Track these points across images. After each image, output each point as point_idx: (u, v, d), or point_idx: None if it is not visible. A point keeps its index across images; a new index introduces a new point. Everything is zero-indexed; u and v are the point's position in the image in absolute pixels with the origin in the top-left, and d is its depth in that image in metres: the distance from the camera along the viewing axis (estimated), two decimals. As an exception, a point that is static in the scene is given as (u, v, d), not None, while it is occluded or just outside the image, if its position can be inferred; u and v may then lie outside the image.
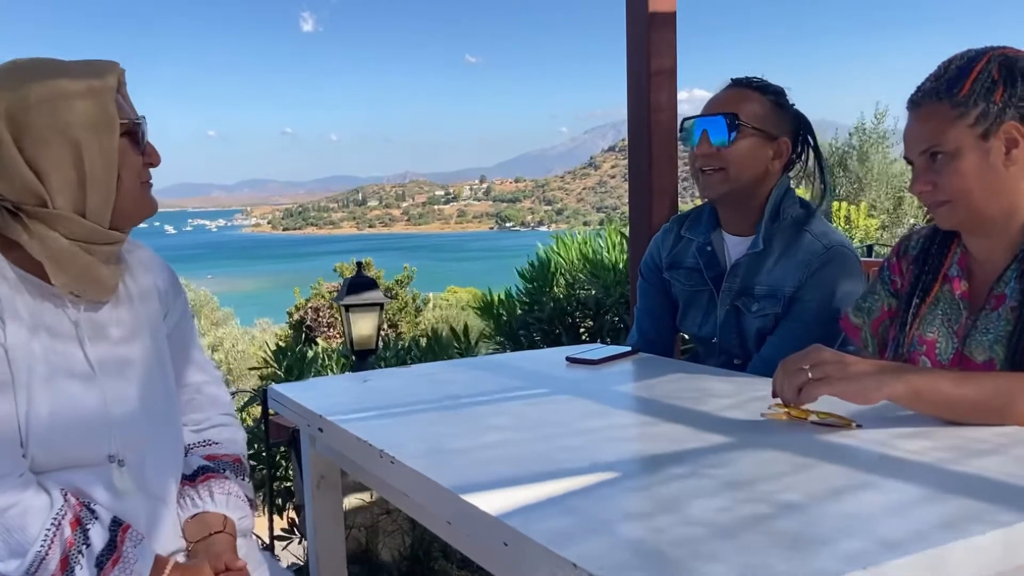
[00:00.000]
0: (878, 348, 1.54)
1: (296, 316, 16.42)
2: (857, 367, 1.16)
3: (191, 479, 1.36)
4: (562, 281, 4.28)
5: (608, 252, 4.28)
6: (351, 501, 2.72)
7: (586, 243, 4.43)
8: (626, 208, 2.97)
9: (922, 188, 1.33)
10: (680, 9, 2.75)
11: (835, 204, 9.12)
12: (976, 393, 1.14)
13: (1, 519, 1.11)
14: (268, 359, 4.47)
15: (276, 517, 3.46)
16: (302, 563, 3.08)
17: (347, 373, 4.04)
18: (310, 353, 4.63)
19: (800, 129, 1.88)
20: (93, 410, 1.20)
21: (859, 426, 1.16)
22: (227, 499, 1.35)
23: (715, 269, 1.89)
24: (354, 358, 4.34)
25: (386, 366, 4.29)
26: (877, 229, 9.20)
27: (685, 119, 1.88)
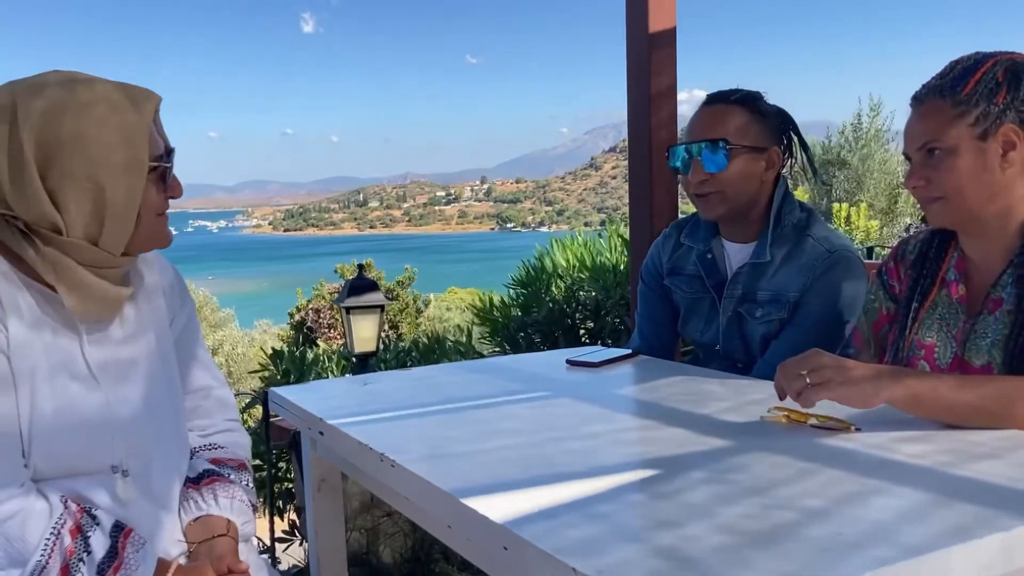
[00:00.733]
0: (877, 352, 1.54)
1: (297, 317, 16.43)
2: (856, 371, 1.16)
3: (195, 482, 1.35)
4: (561, 284, 4.28)
5: (608, 253, 4.28)
6: (351, 503, 2.72)
7: (586, 244, 4.42)
8: (627, 209, 2.97)
9: (916, 183, 1.34)
10: (679, 8, 2.76)
11: (835, 205, 9.11)
12: (975, 397, 1.14)
13: (1, 529, 1.11)
14: (268, 361, 4.48)
15: (277, 519, 3.46)
16: (303, 565, 3.08)
17: (347, 376, 4.04)
18: (310, 355, 4.63)
19: (784, 127, 1.87)
20: (95, 413, 1.20)
21: (858, 429, 1.16)
22: (231, 503, 1.35)
23: (716, 277, 1.89)
24: (355, 360, 4.34)
25: (386, 368, 4.30)
26: (877, 229, 9.19)
27: (671, 147, 1.86)
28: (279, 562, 3.25)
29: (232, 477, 1.38)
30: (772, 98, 1.91)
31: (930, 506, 0.88)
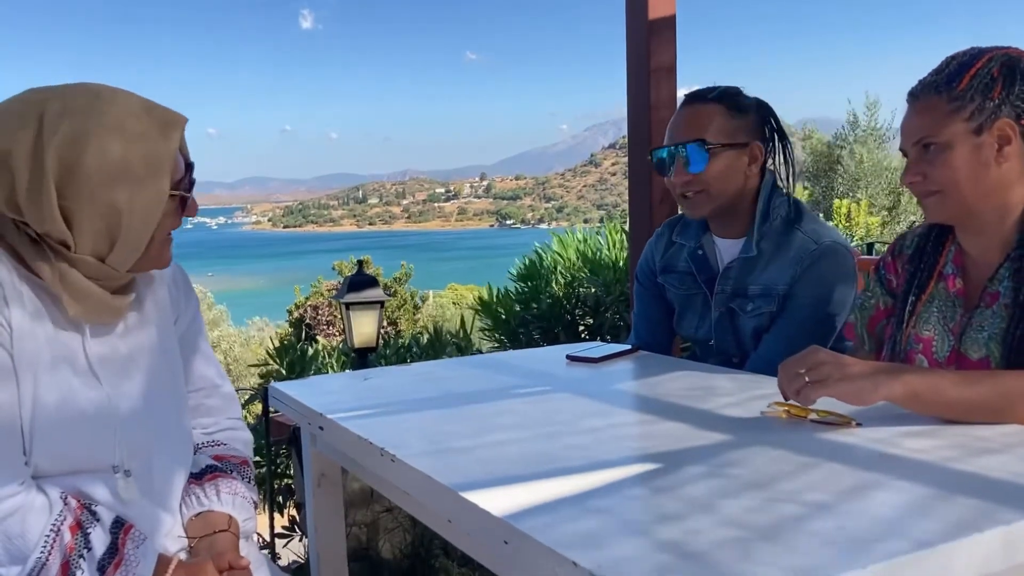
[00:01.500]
0: (875, 347, 1.54)
1: (296, 314, 16.43)
2: (855, 368, 1.16)
3: (198, 477, 1.35)
4: (561, 279, 4.28)
5: (608, 250, 4.27)
6: (351, 498, 2.72)
7: (586, 241, 4.42)
8: (626, 205, 2.97)
9: (912, 178, 1.34)
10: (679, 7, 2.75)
11: (836, 202, 9.10)
12: (975, 394, 1.14)
13: (1, 526, 1.10)
14: (272, 357, 4.47)
15: (277, 515, 3.46)
16: (303, 561, 3.08)
17: (347, 371, 4.04)
18: (310, 351, 4.63)
19: (764, 119, 1.87)
20: (96, 409, 1.19)
21: (859, 424, 1.16)
22: (233, 499, 1.35)
23: (707, 273, 1.90)
24: (354, 356, 4.34)
25: (386, 364, 4.30)
26: (878, 226, 9.19)
27: (653, 149, 1.88)
28: (279, 558, 3.25)
29: (234, 473, 1.38)
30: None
31: (932, 500, 0.87)
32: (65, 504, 1.14)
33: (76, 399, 1.18)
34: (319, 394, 1.53)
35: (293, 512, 3.47)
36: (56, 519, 1.13)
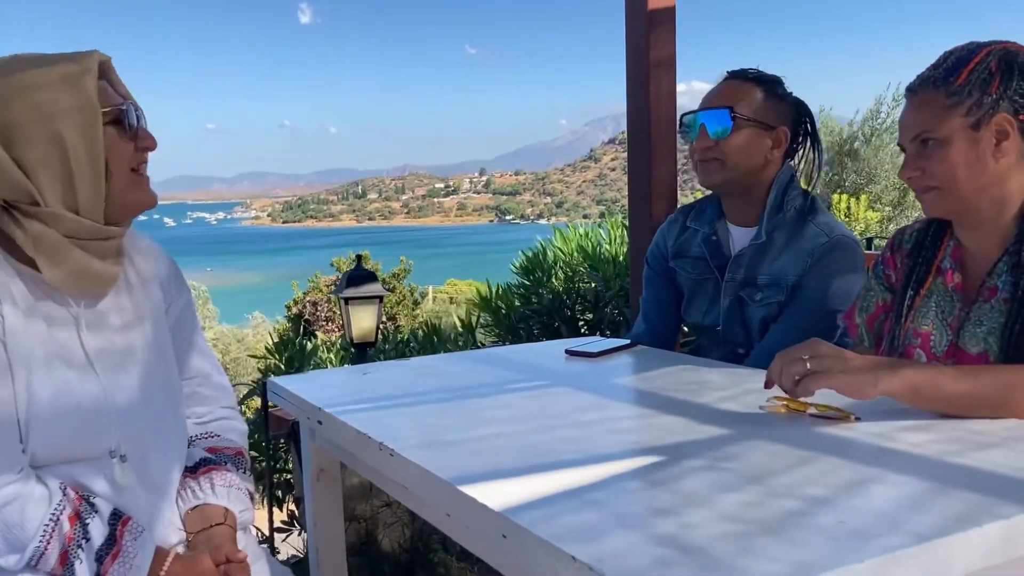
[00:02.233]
0: (874, 343, 1.54)
1: (295, 310, 16.42)
2: (855, 361, 1.16)
3: (192, 471, 1.36)
4: (561, 274, 4.28)
5: (608, 245, 4.27)
6: (351, 493, 2.72)
7: (586, 235, 4.42)
8: (626, 201, 2.96)
9: (911, 174, 1.34)
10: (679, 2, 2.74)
11: (835, 197, 9.08)
12: (974, 388, 1.14)
13: (0, 515, 1.10)
14: (271, 352, 4.48)
15: (276, 509, 3.46)
16: (302, 555, 3.08)
17: (346, 366, 4.04)
18: (309, 346, 4.63)
19: (800, 116, 1.89)
20: (92, 401, 1.19)
21: (857, 419, 1.16)
22: (228, 491, 1.35)
23: (720, 259, 1.91)
24: (353, 351, 4.34)
25: (385, 359, 4.30)
26: (878, 222, 9.17)
27: (683, 114, 1.90)
28: (278, 552, 3.26)
29: (229, 465, 1.38)
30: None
31: (931, 494, 0.87)
32: (64, 495, 1.15)
33: (72, 392, 1.18)
34: (318, 388, 1.52)
35: (292, 506, 3.48)
36: (55, 509, 1.13)
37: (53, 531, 1.12)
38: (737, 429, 1.15)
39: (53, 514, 1.13)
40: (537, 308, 4.17)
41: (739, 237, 1.89)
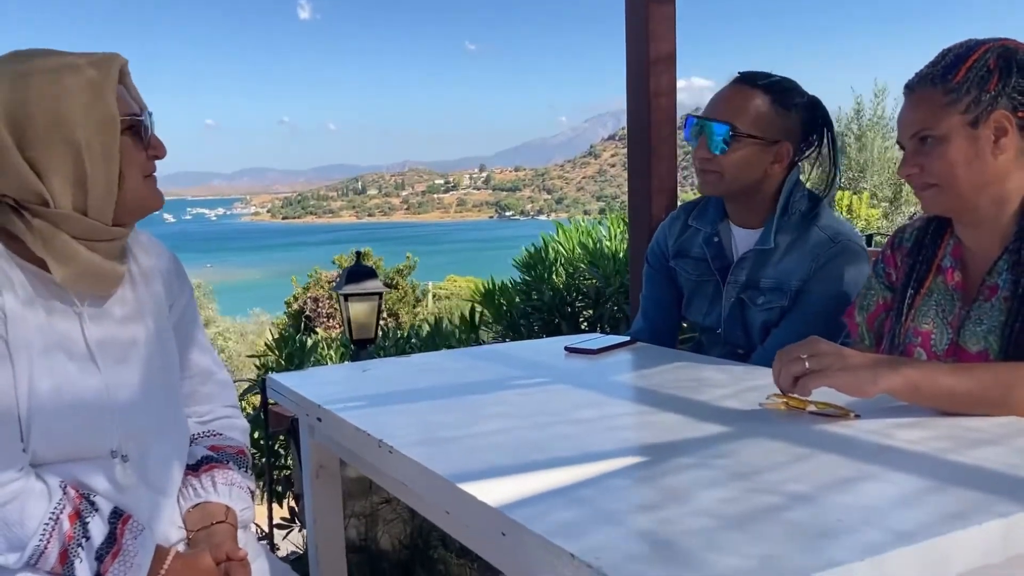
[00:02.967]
0: (874, 342, 1.54)
1: (295, 306, 16.42)
2: (854, 359, 1.16)
3: (194, 468, 1.36)
4: (562, 271, 4.27)
5: (608, 241, 4.27)
6: (350, 489, 2.72)
7: (587, 232, 4.42)
8: (626, 197, 2.96)
9: (909, 171, 1.34)
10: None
11: (837, 193, 9.07)
12: (974, 385, 1.14)
13: (0, 512, 1.10)
14: (270, 348, 4.47)
15: (275, 506, 3.46)
16: (301, 552, 3.08)
17: (346, 363, 4.04)
18: (309, 342, 4.63)
19: (814, 121, 1.85)
20: (94, 395, 1.19)
21: (857, 416, 1.16)
22: (230, 489, 1.35)
23: (722, 260, 1.89)
24: (353, 347, 4.34)
25: (386, 356, 4.30)
26: (878, 219, 9.17)
27: (686, 115, 1.87)
28: (278, 548, 3.26)
29: (231, 463, 1.38)
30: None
31: (928, 492, 0.87)
32: (64, 493, 1.15)
33: (73, 385, 1.18)
34: (318, 385, 1.52)
35: (292, 503, 3.48)
36: (55, 507, 1.13)
37: (53, 530, 1.12)
38: (738, 427, 1.15)
39: (53, 512, 1.13)
40: (538, 304, 4.16)
41: (742, 239, 1.88)
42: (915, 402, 1.16)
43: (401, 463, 1.09)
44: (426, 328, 4.70)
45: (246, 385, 4.28)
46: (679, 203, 2.65)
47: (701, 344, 2.01)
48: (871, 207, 9.20)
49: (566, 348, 1.78)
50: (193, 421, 1.42)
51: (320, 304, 15.88)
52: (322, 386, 1.52)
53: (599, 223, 4.58)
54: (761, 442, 1.07)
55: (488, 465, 1.02)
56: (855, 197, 8.84)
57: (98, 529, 1.15)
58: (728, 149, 1.76)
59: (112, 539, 1.15)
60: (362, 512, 2.78)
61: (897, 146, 1.39)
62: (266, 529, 3.27)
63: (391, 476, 1.17)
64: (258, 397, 3.88)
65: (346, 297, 4.25)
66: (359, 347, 4.29)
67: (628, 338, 1.86)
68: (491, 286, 4.38)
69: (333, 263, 20.16)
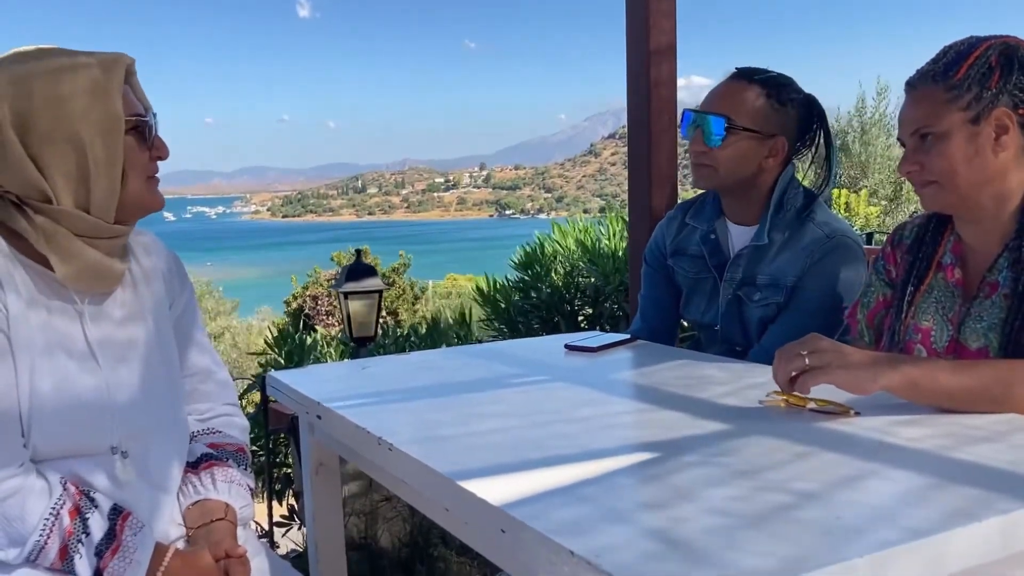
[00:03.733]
0: (874, 339, 1.54)
1: (294, 304, 16.42)
2: (854, 357, 1.15)
3: (194, 466, 1.36)
4: (560, 269, 4.27)
5: (607, 240, 4.27)
6: (350, 487, 2.72)
7: (586, 230, 4.42)
8: (626, 196, 2.95)
9: (910, 168, 1.34)
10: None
11: (834, 192, 9.06)
12: (973, 382, 1.14)
13: (0, 507, 1.11)
14: (270, 346, 4.47)
15: (275, 504, 3.47)
16: (301, 550, 3.08)
17: (346, 360, 4.04)
18: (309, 340, 4.63)
19: (810, 117, 1.85)
20: (94, 394, 1.20)
21: (857, 413, 1.16)
22: (229, 487, 1.35)
23: (718, 257, 1.89)
24: (353, 345, 4.34)
25: (385, 353, 4.30)
26: (877, 216, 9.15)
27: (684, 110, 1.88)
28: (277, 546, 3.26)
29: (230, 461, 1.39)
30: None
31: (928, 489, 0.87)
32: (64, 489, 1.15)
33: (73, 383, 1.18)
34: (317, 383, 1.52)
35: (292, 501, 3.48)
36: (55, 503, 1.13)
37: (53, 525, 1.12)
38: (738, 424, 1.15)
39: (53, 508, 1.13)
40: (536, 303, 4.17)
41: (738, 236, 1.88)
42: (915, 399, 1.16)
43: (401, 460, 1.09)
44: (424, 326, 4.70)
45: (246, 383, 4.29)
46: (679, 198, 2.65)
47: (699, 342, 2.01)
48: (870, 205, 9.19)
49: (566, 346, 1.78)
50: (193, 419, 1.42)
51: (319, 302, 15.87)
52: (322, 384, 1.52)
53: (598, 222, 4.58)
54: (763, 440, 1.07)
55: (488, 463, 1.02)
56: (853, 195, 8.83)
57: (98, 525, 1.15)
58: (723, 142, 1.77)
59: (112, 535, 1.15)
60: (362, 510, 2.78)
61: (898, 143, 1.39)
62: (266, 527, 3.27)
63: (391, 473, 1.17)
64: (258, 395, 3.88)
65: (346, 295, 4.25)
66: (359, 345, 4.29)
67: (628, 336, 1.86)
68: (490, 285, 4.38)
69: (331, 260, 20.14)
